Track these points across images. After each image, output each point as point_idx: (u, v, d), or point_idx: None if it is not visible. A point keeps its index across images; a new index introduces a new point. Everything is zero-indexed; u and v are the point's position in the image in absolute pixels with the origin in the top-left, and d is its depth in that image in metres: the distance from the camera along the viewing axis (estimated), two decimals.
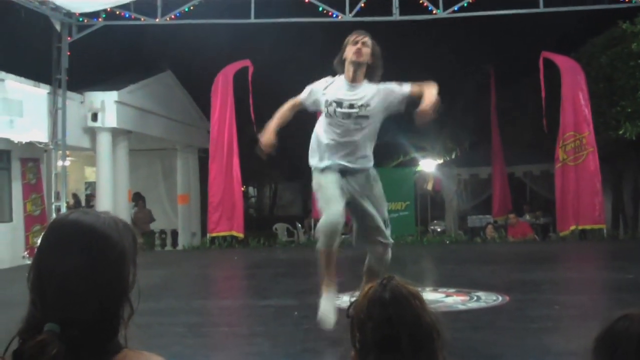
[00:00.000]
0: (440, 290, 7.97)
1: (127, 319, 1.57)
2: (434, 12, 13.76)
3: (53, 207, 14.07)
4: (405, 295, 1.78)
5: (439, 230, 19.50)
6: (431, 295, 7.45)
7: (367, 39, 5.57)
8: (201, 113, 19.67)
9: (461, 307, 6.95)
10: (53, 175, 14.28)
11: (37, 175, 14.38)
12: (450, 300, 7.36)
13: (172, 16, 14.11)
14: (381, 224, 5.61)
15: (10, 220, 13.90)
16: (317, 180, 5.62)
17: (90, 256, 1.53)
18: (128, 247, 1.60)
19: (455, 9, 13.67)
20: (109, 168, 15.74)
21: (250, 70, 14.90)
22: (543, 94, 14.19)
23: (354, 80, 5.57)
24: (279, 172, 29.76)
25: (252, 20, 13.95)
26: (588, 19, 15.37)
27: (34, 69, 14.24)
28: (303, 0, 13.69)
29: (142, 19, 14.24)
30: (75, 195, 18.95)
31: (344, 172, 5.56)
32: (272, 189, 33.91)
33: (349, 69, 5.57)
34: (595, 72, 15.64)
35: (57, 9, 13.66)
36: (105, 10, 14.20)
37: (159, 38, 17.22)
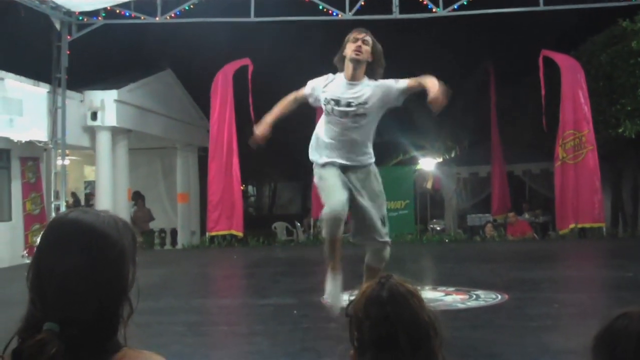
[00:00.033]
0: (439, 288, 7.97)
1: (126, 318, 1.57)
2: (434, 10, 13.76)
3: (52, 206, 14.07)
4: (403, 293, 1.78)
5: (438, 228, 19.50)
6: (430, 294, 7.45)
7: (368, 37, 5.56)
8: (201, 112, 19.67)
9: (460, 305, 6.95)
10: (52, 174, 14.28)
11: (37, 174, 14.37)
12: (449, 298, 7.36)
13: (172, 15, 14.10)
14: (378, 222, 5.62)
15: (10, 219, 13.90)
16: (319, 173, 5.66)
17: (90, 255, 1.53)
18: (127, 246, 1.60)
19: (455, 7, 13.67)
20: (108, 167, 15.74)
21: (250, 68, 14.90)
22: (543, 92, 14.19)
23: (353, 78, 5.57)
24: (279, 171, 29.79)
25: (252, 18, 13.95)
26: (588, 17, 15.38)
27: (34, 67, 14.24)
28: None
29: (142, 18, 14.23)
30: (74, 194, 18.95)
31: (344, 169, 5.59)
32: (271, 188, 33.94)
33: (348, 66, 5.57)
34: (595, 70, 15.64)
35: (57, 7, 13.66)
36: (105, 9, 14.20)
37: (159, 37, 17.22)
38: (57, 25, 14.01)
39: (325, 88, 5.65)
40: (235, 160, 14.98)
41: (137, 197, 17.78)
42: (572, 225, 14.48)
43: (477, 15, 14.12)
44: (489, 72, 18.54)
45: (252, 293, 9.02)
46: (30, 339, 1.45)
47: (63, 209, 13.70)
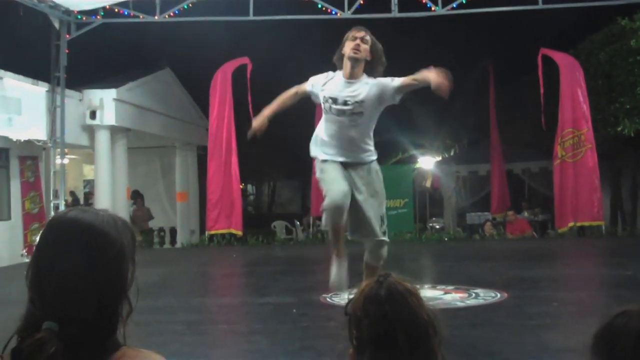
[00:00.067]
0: (438, 287, 7.97)
1: (125, 317, 1.57)
2: (433, 9, 13.76)
3: (51, 205, 14.07)
4: (401, 292, 1.78)
5: (437, 227, 19.52)
6: (430, 293, 7.45)
7: (367, 35, 5.57)
8: (200, 111, 19.67)
9: (460, 304, 6.95)
10: (52, 173, 14.27)
11: (36, 173, 14.37)
12: (448, 297, 7.36)
13: (171, 14, 14.10)
14: (375, 221, 5.63)
15: (9, 218, 13.90)
16: (320, 167, 5.72)
17: (89, 254, 1.53)
18: (127, 245, 1.60)
19: (454, 5, 13.67)
20: (107, 166, 15.73)
21: (249, 67, 14.90)
22: (542, 91, 14.19)
23: (351, 77, 5.58)
24: (278, 170, 29.80)
25: (251, 17, 13.95)
26: (587, 16, 15.39)
27: (33, 66, 14.23)
28: None
29: (141, 17, 14.22)
30: (72, 193, 18.94)
31: (345, 166, 5.63)
32: (270, 186, 33.94)
33: (346, 64, 5.58)
34: (594, 69, 15.64)
35: (55, 6, 13.64)
36: (103, 8, 14.19)
37: (158, 36, 17.22)
38: (56, 24, 14.00)
39: (324, 86, 5.68)
40: (235, 159, 14.98)
41: (136, 196, 17.78)
42: (571, 224, 14.48)
43: (476, 14, 14.12)
44: (488, 71, 18.55)
45: (251, 292, 9.02)
46: (29, 338, 1.45)
47: (62, 208, 13.69)
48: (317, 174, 5.77)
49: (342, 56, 5.60)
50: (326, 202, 5.42)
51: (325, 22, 14.19)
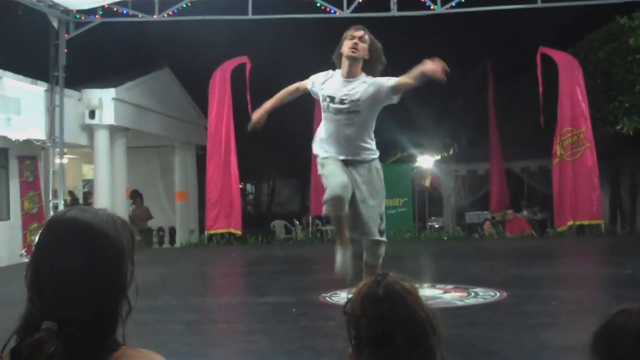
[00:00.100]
0: (438, 286, 7.97)
1: (125, 317, 1.57)
2: (432, 7, 13.76)
3: (51, 204, 14.06)
4: (399, 291, 1.78)
5: (436, 226, 19.52)
6: (429, 292, 7.45)
7: (365, 34, 5.58)
8: (199, 110, 19.67)
9: (459, 303, 6.95)
10: (51, 172, 14.27)
11: (35, 173, 14.36)
12: (448, 296, 7.37)
13: (170, 13, 14.09)
14: (372, 221, 5.66)
15: (8, 218, 13.89)
16: (321, 162, 5.78)
17: (88, 254, 1.53)
18: (126, 245, 1.60)
19: (453, 4, 13.67)
20: (106, 165, 15.73)
21: (248, 66, 14.88)
22: (541, 90, 14.19)
23: (349, 76, 5.61)
24: (277, 169, 29.79)
25: (250, 16, 13.95)
26: (586, 14, 15.38)
27: (32, 66, 14.24)
28: None
29: (140, 16, 14.22)
30: (71, 193, 18.93)
31: (346, 164, 5.66)
32: (269, 186, 33.92)
33: (344, 63, 5.61)
34: (593, 68, 15.64)
35: (54, 6, 13.64)
36: (102, 7, 14.18)
37: (157, 35, 17.20)
38: (55, 24, 13.99)
39: (323, 84, 5.72)
40: (234, 159, 14.97)
41: (135, 196, 17.77)
42: (570, 223, 14.48)
43: (475, 13, 14.11)
44: (487, 70, 18.55)
45: (250, 291, 9.02)
46: (28, 338, 1.45)
47: (61, 207, 13.68)
48: (319, 171, 5.82)
49: (340, 55, 5.63)
50: (326, 195, 5.46)
51: (324, 21, 14.18)
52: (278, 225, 20.64)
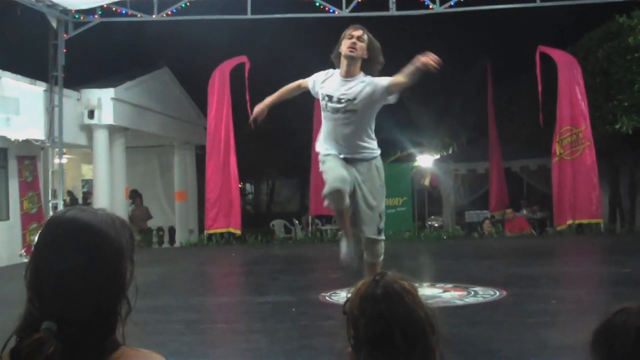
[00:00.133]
0: (437, 285, 7.97)
1: (124, 317, 1.57)
2: (431, 7, 13.75)
3: (50, 204, 14.05)
4: (397, 291, 1.78)
5: (436, 225, 19.51)
6: (429, 291, 7.45)
7: (364, 34, 5.60)
8: (198, 110, 19.66)
9: (458, 302, 6.96)
10: (50, 172, 14.26)
11: (34, 173, 14.36)
12: (447, 295, 7.37)
13: (169, 12, 14.08)
14: (370, 219, 5.69)
15: (7, 218, 13.88)
16: (322, 159, 5.82)
17: (88, 254, 1.53)
18: (125, 245, 1.60)
19: (452, 3, 13.67)
20: (106, 165, 15.72)
21: (247, 66, 14.87)
22: (540, 89, 14.19)
23: (347, 75, 5.64)
24: (277, 168, 29.79)
25: (249, 16, 13.94)
26: (585, 13, 15.38)
27: (30, 66, 14.23)
28: None
29: (139, 16, 14.21)
30: (70, 193, 18.91)
31: (347, 162, 5.69)
32: (269, 185, 33.93)
33: (343, 63, 5.64)
34: (592, 66, 15.64)
35: (53, 6, 13.62)
36: (101, 7, 14.16)
37: (156, 35, 17.20)
38: (54, 24, 13.98)
39: (323, 84, 5.76)
40: (233, 158, 14.96)
41: (134, 196, 17.77)
42: (569, 221, 14.48)
43: (474, 12, 14.10)
44: (486, 69, 18.55)
45: (250, 291, 9.03)
46: (28, 338, 1.44)
47: (60, 207, 13.68)
48: (320, 168, 5.87)
49: (339, 54, 5.65)
50: (325, 189, 5.51)
51: (323, 21, 14.17)
52: (277, 224, 20.63)
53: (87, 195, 19.17)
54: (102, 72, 16.84)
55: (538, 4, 13.50)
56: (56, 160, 14.31)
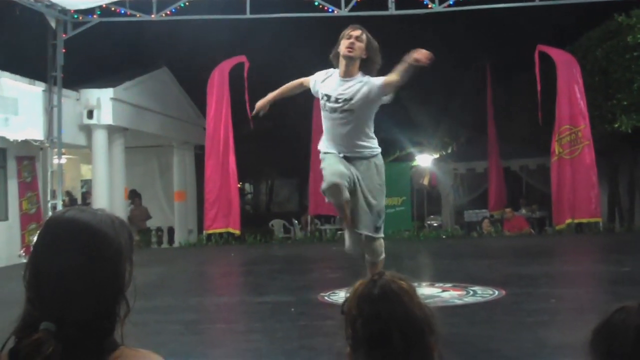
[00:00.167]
0: (436, 285, 7.98)
1: (123, 317, 1.57)
2: (430, 6, 13.75)
3: (49, 205, 14.05)
4: (395, 291, 1.77)
5: (435, 225, 19.52)
6: (427, 290, 7.45)
7: (362, 34, 5.61)
8: (197, 110, 19.66)
9: (457, 301, 6.96)
10: (49, 173, 14.26)
11: (33, 174, 14.35)
12: (446, 295, 7.37)
13: (168, 12, 14.08)
14: (368, 216, 5.70)
15: (6, 218, 13.87)
16: (322, 157, 5.86)
17: (87, 254, 1.53)
18: (124, 245, 1.60)
19: (451, 2, 13.67)
20: (105, 165, 15.72)
21: (246, 66, 14.86)
22: (539, 88, 14.19)
23: (345, 75, 5.66)
24: (276, 168, 29.80)
25: (248, 15, 13.94)
26: (584, 12, 15.38)
27: (29, 66, 14.21)
28: None
29: (138, 16, 14.21)
30: (69, 193, 18.91)
31: (347, 159, 5.72)
32: (268, 185, 33.94)
33: (341, 63, 5.67)
34: (591, 65, 15.64)
35: (52, 6, 13.61)
36: (100, 7, 14.16)
37: (155, 35, 17.19)
38: (53, 24, 13.98)
39: (322, 83, 5.81)
40: (232, 158, 14.95)
41: (133, 196, 17.76)
42: (568, 221, 14.49)
43: (473, 11, 14.10)
44: (485, 68, 18.55)
45: (249, 291, 9.03)
46: (27, 339, 1.44)
47: (60, 208, 13.67)
48: (321, 166, 5.87)
49: (338, 54, 5.67)
50: (323, 185, 5.56)
51: (322, 20, 14.17)
52: (277, 224, 20.64)
53: (86, 196, 19.17)
54: (101, 72, 16.82)
55: (537, 3, 13.51)
56: (55, 161, 14.31)
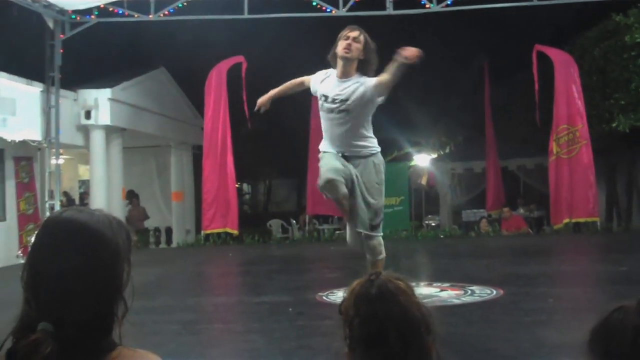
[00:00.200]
0: (434, 284, 7.98)
1: (121, 317, 1.56)
2: (427, 6, 13.76)
3: (47, 205, 14.04)
4: (392, 290, 1.77)
5: (433, 224, 19.52)
6: (425, 290, 7.45)
7: (359, 35, 5.62)
8: (195, 110, 19.65)
9: (455, 301, 6.96)
10: (47, 173, 14.25)
11: (30, 174, 14.34)
12: (444, 294, 7.37)
13: (166, 12, 14.07)
14: (364, 214, 5.70)
15: (4, 219, 13.87)
16: (320, 156, 5.89)
17: (85, 254, 1.53)
18: (122, 245, 1.60)
19: (449, 2, 13.67)
20: (102, 166, 15.71)
21: (244, 66, 14.87)
22: (536, 87, 14.20)
23: (343, 76, 5.69)
24: (273, 168, 29.78)
25: (246, 15, 13.94)
26: (581, 12, 15.41)
27: (27, 67, 14.20)
28: None
29: (136, 16, 14.20)
30: (66, 194, 18.87)
31: (345, 158, 5.74)
32: (266, 185, 33.90)
33: (339, 63, 5.71)
34: (589, 65, 15.66)
35: (49, 6, 13.61)
36: (98, 7, 14.15)
37: (153, 35, 17.17)
38: (50, 24, 13.97)
39: (321, 83, 5.86)
40: (230, 158, 14.94)
41: (131, 196, 17.75)
42: (566, 220, 14.50)
43: (471, 11, 14.10)
44: (483, 68, 18.55)
45: (247, 291, 9.03)
46: (24, 339, 1.44)
47: (57, 208, 13.66)
48: (319, 164, 5.90)
49: (335, 55, 5.68)
50: (319, 181, 5.59)
51: (320, 20, 14.17)
52: (275, 224, 20.63)
53: (84, 196, 19.15)
54: (98, 73, 16.80)
55: (535, 2, 13.51)
56: (53, 161, 14.30)
